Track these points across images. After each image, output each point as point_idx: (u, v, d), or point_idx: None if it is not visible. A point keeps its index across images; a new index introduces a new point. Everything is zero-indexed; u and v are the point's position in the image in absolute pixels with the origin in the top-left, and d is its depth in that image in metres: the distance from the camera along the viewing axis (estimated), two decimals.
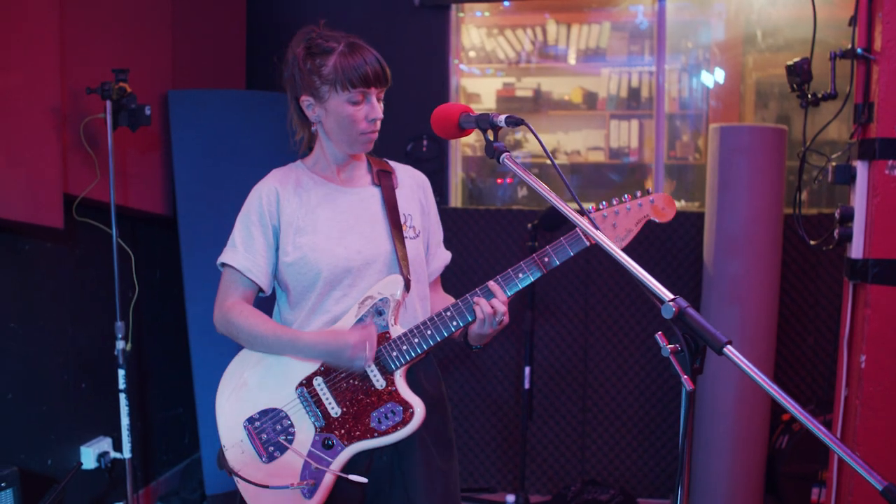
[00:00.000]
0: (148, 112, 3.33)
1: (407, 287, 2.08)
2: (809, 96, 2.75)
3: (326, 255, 2.06)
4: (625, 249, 1.73)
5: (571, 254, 2.03)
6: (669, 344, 1.52)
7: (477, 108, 5.61)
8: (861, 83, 2.60)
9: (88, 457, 3.55)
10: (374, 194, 2.18)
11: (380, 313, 2.05)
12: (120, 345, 3.34)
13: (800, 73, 2.73)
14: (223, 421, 2.13)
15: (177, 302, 4.01)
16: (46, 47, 3.13)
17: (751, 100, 5.53)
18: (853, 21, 2.62)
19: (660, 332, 1.53)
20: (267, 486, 2.04)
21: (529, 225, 3.80)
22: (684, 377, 1.50)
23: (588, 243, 2.00)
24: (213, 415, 3.87)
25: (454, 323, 2.03)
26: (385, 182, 2.19)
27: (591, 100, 5.93)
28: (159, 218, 4.00)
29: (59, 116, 3.20)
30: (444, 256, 2.33)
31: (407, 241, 2.14)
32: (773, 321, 3.86)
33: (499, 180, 5.74)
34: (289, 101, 2.16)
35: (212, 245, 3.88)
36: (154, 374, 4.11)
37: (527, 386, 3.89)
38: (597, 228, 1.66)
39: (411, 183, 2.26)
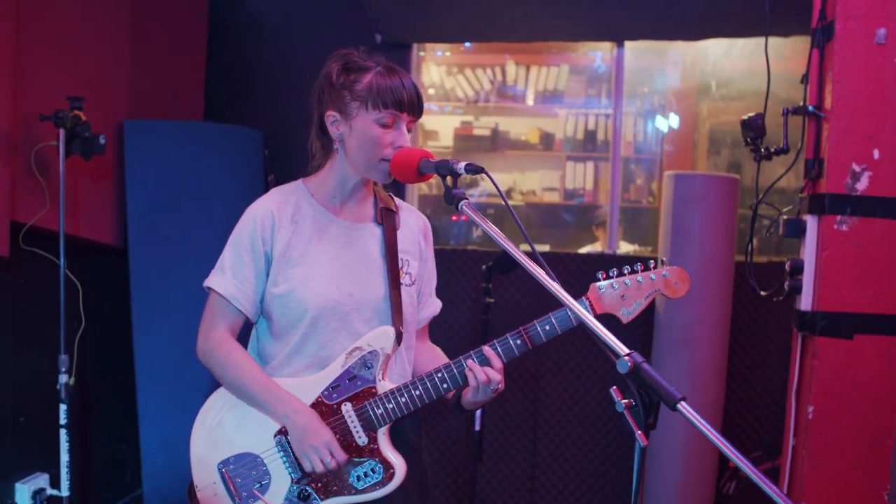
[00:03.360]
0: (102, 141, 3.28)
1: (398, 340, 2.00)
2: (762, 150, 2.81)
3: (316, 293, 1.95)
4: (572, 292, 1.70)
5: (558, 331, 1.97)
6: (624, 399, 1.52)
7: (434, 146, 5.67)
8: (812, 139, 2.67)
9: (23, 494, 3.42)
10: (374, 233, 2.07)
11: (368, 367, 1.96)
12: (63, 378, 3.24)
13: (754, 128, 2.79)
14: (197, 460, 2.03)
15: (124, 335, 3.92)
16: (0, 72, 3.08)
17: (704, 146, 5.65)
18: (805, 79, 2.69)
19: (614, 388, 1.53)
20: None
21: (484, 266, 3.79)
22: (638, 433, 1.49)
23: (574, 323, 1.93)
24: (157, 452, 3.81)
25: (445, 386, 1.94)
26: (388, 221, 2.08)
27: (547, 141, 5.99)
28: (109, 248, 3.93)
29: (8, 142, 3.13)
30: (434, 305, 2.22)
31: (402, 289, 2.04)
32: (722, 367, 3.90)
33: (454, 217, 5.75)
34: (313, 119, 2.04)
35: (163, 277, 3.84)
36: (96, 408, 4.00)
37: (477, 427, 3.86)
38: (553, 280, 1.65)
39: (413, 226, 2.15)
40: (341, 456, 1.92)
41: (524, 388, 4.34)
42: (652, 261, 1.98)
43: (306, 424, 1.92)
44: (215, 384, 2.08)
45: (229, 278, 1.99)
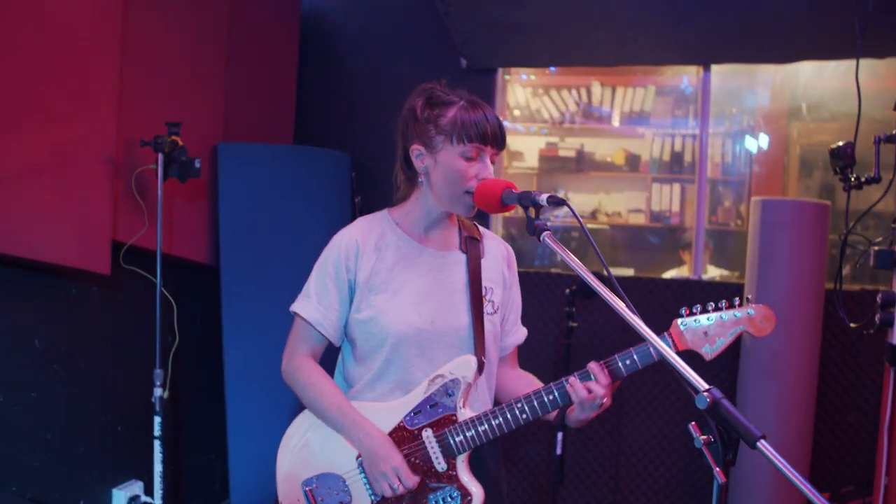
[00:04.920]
0: (198, 165, 3.42)
1: (480, 369, 2.01)
2: (853, 179, 2.74)
3: (398, 320, 1.99)
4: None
5: (639, 366, 1.96)
6: (702, 435, 1.51)
7: (519, 167, 5.69)
8: None
9: (120, 500, 3.58)
10: (459, 261, 2.10)
11: (449, 394, 1.99)
12: (157, 392, 3.38)
13: (843, 157, 2.73)
14: (283, 477, 2.10)
15: (215, 350, 4.06)
16: (105, 100, 3.25)
17: (794, 169, 5.51)
18: None
19: (693, 423, 1.52)
20: None
21: (567, 290, 3.80)
22: (717, 470, 1.48)
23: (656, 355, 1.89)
24: (244, 463, 3.93)
25: (524, 416, 1.95)
26: (472, 250, 2.11)
27: (633, 162, 5.93)
28: (202, 266, 4.08)
29: (113, 167, 3.30)
30: (519, 333, 2.23)
31: (485, 317, 2.05)
32: (811, 397, 3.79)
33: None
34: (397, 152, 2.09)
35: (252, 295, 3.97)
36: (187, 419, 4.14)
37: (559, 451, 3.85)
38: (634, 313, 1.65)
39: (497, 254, 2.17)
40: (410, 482, 1.94)
41: (606, 413, 4.28)
42: (737, 298, 1.94)
43: (377, 449, 1.96)
44: (301, 404, 2.15)
45: (314, 304, 2.05)
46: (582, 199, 5.78)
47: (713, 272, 5.08)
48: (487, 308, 2.09)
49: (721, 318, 1.90)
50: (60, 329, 3.30)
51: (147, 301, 3.58)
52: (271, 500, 4.11)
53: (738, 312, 1.90)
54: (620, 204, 5.96)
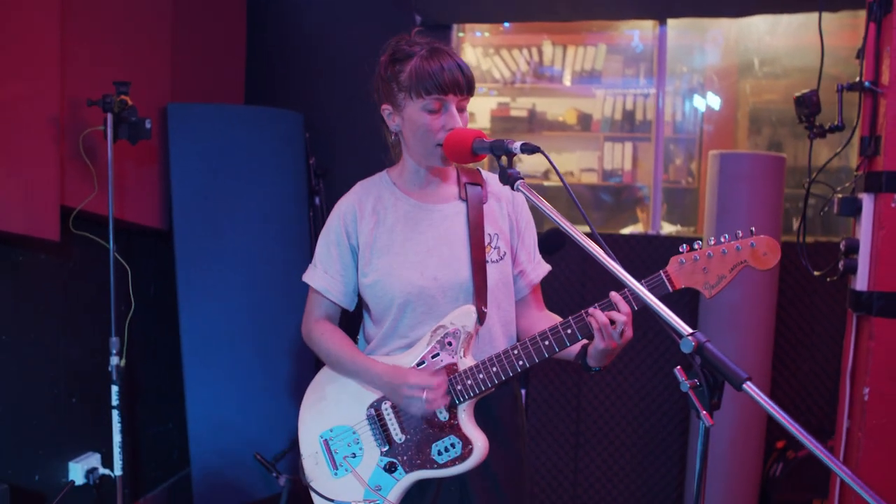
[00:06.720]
0: (148, 125, 3.29)
1: (481, 319, 2.01)
2: (817, 127, 2.76)
3: (401, 280, 2.02)
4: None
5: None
6: (688, 379, 1.51)
7: (470, 127, 5.64)
8: (868, 116, 2.62)
9: (77, 473, 3.48)
10: (459, 211, 2.08)
11: (450, 344, 2.00)
12: (114, 360, 3.28)
13: (808, 105, 2.74)
14: (303, 431, 2.17)
15: (170, 316, 3.96)
16: (47, 58, 3.10)
17: (745, 126, 5.57)
18: (860, 54, 2.64)
19: (679, 367, 1.52)
20: (332, 500, 2.09)
21: None
22: (703, 413, 1.49)
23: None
24: (203, 431, 3.86)
25: (520, 363, 1.93)
26: (473, 196, 2.09)
27: (585, 121, 5.95)
28: (154, 231, 3.96)
29: (58, 128, 3.16)
30: (539, 269, 2.18)
31: (488, 266, 2.04)
32: (769, 348, 3.86)
33: None
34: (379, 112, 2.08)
35: (207, 259, 3.87)
36: (144, 389, 4.05)
37: None
38: (613, 260, 1.64)
39: (501, 196, 2.13)
40: (435, 382, 1.95)
41: (567, 369, 4.33)
42: (739, 231, 1.82)
43: (389, 379, 2.01)
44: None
45: (320, 273, 2.13)
46: (534, 159, 5.74)
47: (668, 228, 5.13)
48: (492, 255, 2.07)
49: (722, 252, 1.81)
50: (8, 298, 3.17)
51: (99, 268, 3.46)
52: (232, 468, 4.07)
53: (739, 245, 1.80)
54: (573, 163, 5.97)
